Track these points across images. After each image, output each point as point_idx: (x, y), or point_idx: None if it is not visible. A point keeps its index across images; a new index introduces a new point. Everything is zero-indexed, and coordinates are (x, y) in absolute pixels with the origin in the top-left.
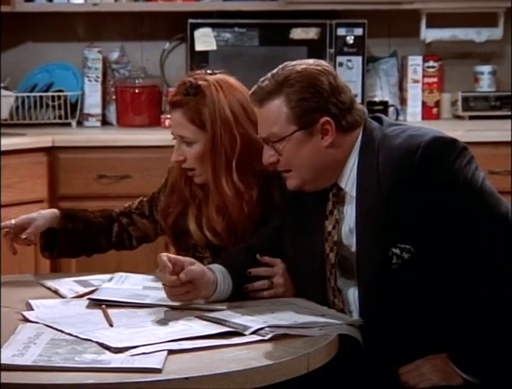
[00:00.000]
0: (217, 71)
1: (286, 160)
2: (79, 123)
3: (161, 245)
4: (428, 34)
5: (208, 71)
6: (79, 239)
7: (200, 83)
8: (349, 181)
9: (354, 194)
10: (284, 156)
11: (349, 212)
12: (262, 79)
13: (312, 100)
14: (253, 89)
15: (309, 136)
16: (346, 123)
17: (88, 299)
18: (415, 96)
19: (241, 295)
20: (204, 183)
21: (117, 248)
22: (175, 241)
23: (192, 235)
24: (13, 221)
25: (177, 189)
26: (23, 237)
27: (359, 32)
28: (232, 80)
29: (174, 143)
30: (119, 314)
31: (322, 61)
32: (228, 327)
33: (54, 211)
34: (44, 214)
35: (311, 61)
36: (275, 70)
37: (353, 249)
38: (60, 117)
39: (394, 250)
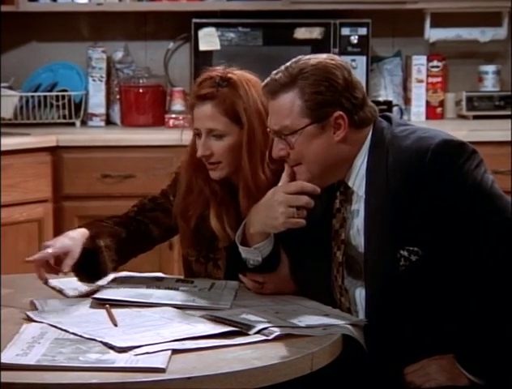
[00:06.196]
0: (233, 68)
1: (297, 153)
2: (83, 123)
3: (164, 245)
4: (433, 34)
5: (225, 67)
6: (119, 250)
7: (230, 75)
8: (357, 180)
9: (361, 194)
10: (296, 150)
11: (357, 212)
12: (274, 71)
13: (326, 93)
14: (265, 81)
15: (321, 130)
16: (358, 119)
17: (92, 298)
18: (419, 95)
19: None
20: (223, 178)
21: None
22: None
23: (214, 233)
24: (50, 250)
25: (196, 189)
26: (65, 270)
27: (363, 31)
28: (252, 76)
29: (197, 139)
30: (123, 313)
31: (336, 56)
32: (232, 326)
33: (84, 232)
34: (76, 239)
35: (325, 55)
36: (288, 63)
37: (361, 249)
38: (64, 117)
39: (402, 252)
